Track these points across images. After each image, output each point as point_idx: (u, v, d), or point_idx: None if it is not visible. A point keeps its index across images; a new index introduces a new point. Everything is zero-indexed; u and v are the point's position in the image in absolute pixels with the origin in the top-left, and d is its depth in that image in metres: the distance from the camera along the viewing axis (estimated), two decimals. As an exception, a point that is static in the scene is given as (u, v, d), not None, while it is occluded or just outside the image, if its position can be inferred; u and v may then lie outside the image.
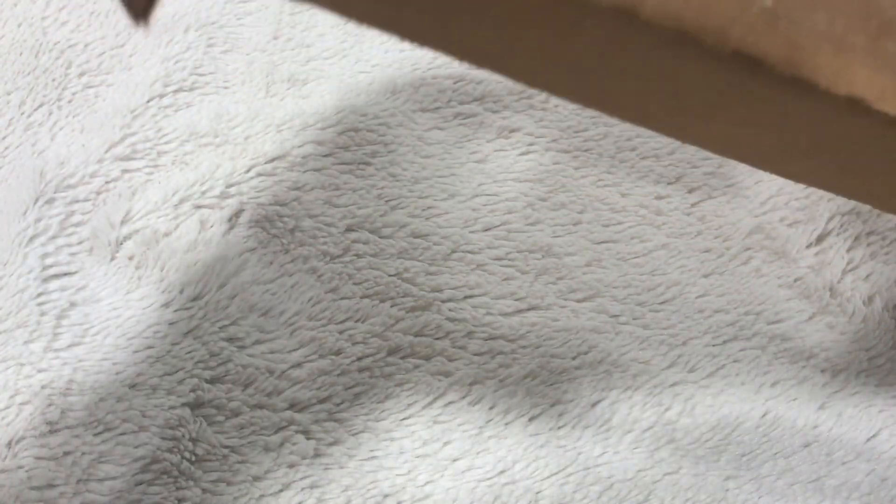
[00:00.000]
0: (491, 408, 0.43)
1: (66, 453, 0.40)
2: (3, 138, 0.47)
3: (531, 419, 0.42)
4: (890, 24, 0.22)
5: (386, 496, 0.40)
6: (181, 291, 0.43)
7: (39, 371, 0.41)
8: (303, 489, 0.40)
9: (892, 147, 0.24)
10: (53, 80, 0.49)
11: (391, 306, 0.44)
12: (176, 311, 0.43)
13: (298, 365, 0.42)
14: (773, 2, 0.21)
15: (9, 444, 0.39)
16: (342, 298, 0.44)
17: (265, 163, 0.46)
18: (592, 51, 0.23)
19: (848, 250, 0.47)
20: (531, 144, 0.49)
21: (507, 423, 0.42)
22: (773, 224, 0.48)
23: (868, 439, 0.43)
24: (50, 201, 0.45)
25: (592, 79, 0.25)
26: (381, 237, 0.46)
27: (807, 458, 0.42)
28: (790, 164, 0.30)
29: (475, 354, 0.44)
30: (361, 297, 0.44)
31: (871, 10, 0.22)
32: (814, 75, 0.22)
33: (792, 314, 0.46)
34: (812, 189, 0.48)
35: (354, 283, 0.45)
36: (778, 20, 0.21)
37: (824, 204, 0.48)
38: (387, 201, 0.47)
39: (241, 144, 0.47)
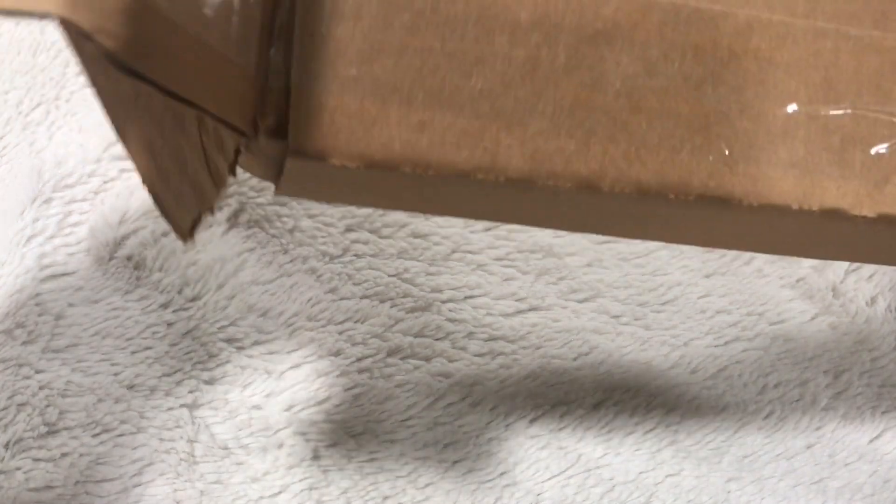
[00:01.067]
0: (492, 409, 0.42)
1: (64, 455, 0.39)
2: (1, 138, 0.47)
3: (532, 420, 0.42)
4: (852, 135, 0.23)
5: (386, 498, 0.40)
6: (180, 292, 0.43)
7: (38, 372, 0.41)
8: (301, 491, 0.40)
9: (883, 237, 0.25)
10: (51, 79, 0.49)
11: (391, 307, 0.44)
12: (174, 311, 0.43)
13: (297, 366, 0.42)
14: (727, 147, 0.23)
15: (7, 446, 0.39)
16: (342, 299, 0.44)
17: (264, 162, 0.46)
18: (572, 207, 0.25)
19: (851, 250, 0.47)
20: (532, 144, 0.48)
21: (507, 425, 0.42)
22: (775, 224, 0.47)
23: (871, 440, 0.43)
24: (48, 201, 0.45)
25: (578, 219, 0.27)
26: (380, 237, 0.45)
27: (809, 459, 0.42)
28: (806, 254, 0.30)
29: (475, 355, 0.43)
30: (361, 298, 0.44)
31: (830, 128, 0.23)
32: (784, 199, 0.23)
33: (794, 315, 0.45)
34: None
35: (354, 284, 0.44)
36: (737, 163, 0.23)
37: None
38: (387, 201, 0.46)
39: (240, 144, 0.47)
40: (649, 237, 0.29)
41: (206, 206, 0.23)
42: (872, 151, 0.23)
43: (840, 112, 0.23)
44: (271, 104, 0.22)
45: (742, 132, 0.23)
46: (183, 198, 0.23)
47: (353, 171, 0.22)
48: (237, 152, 0.22)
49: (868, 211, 0.23)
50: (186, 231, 0.23)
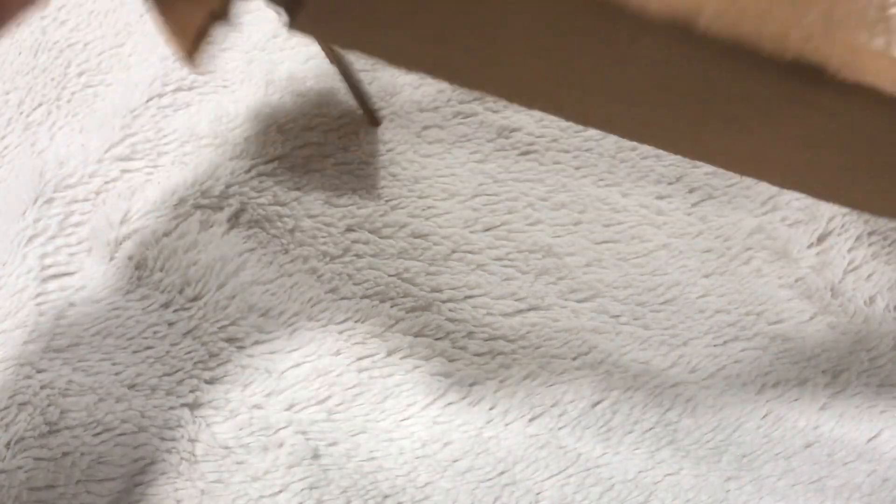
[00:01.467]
0: (491, 408, 0.42)
1: (66, 454, 0.40)
2: (3, 138, 0.47)
3: (531, 420, 0.42)
4: None
5: (385, 497, 0.40)
6: (181, 291, 0.43)
7: (39, 371, 0.41)
8: (302, 490, 0.40)
9: None
10: (52, 79, 0.49)
11: (391, 306, 0.44)
12: (175, 311, 0.43)
13: (298, 365, 0.42)
14: (825, 15, 0.21)
15: (8, 445, 0.39)
16: (342, 299, 0.44)
17: (265, 163, 0.46)
18: (648, 74, 0.23)
19: (849, 250, 0.47)
20: (531, 144, 0.48)
21: (507, 424, 0.42)
22: (774, 224, 0.47)
23: (869, 440, 0.43)
24: (49, 201, 0.45)
25: (646, 108, 0.25)
26: (381, 237, 0.46)
27: (808, 458, 0.42)
28: (851, 189, 0.29)
29: (475, 355, 0.44)
30: (361, 298, 0.44)
31: None
32: (877, 80, 0.22)
33: (793, 314, 0.45)
34: (813, 189, 0.48)
35: (354, 284, 0.44)
36: (836, 30, 0.21)
37: (825, 204, 0.48)
38: (387, 201, 0.47)
39: (241, 144, 0.47)
40: (697, 150, 0.27)
41: (214, 7, 0.21)
42: None
43: None
44: None
45: (840, 6, 0.21)
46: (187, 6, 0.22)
47: None
48: None
49: None
50: (191, 44, 0.22)
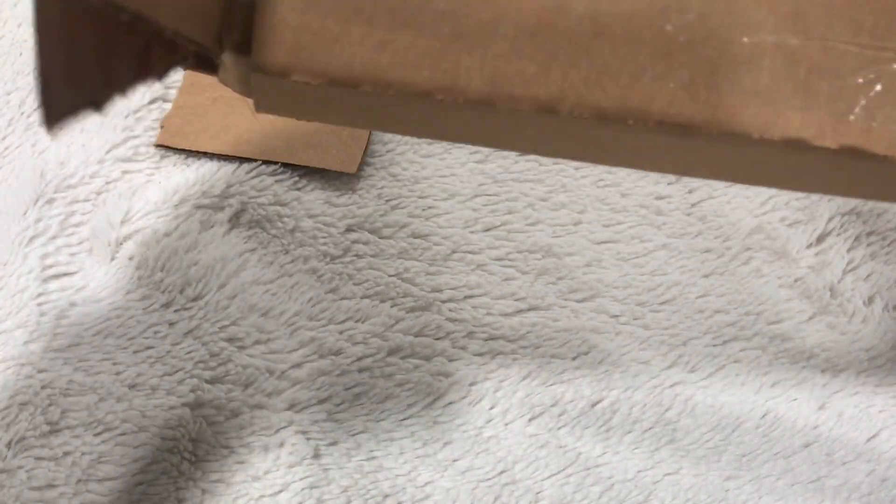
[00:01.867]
0: (491, 408, 0.43)
1: (66, 453, 0.40)
2: (4, 138, 0.47)
3: (531, 419, 0.42)
4: (819, 65, 0.23)
5: (386, 496, 0.40)
6: (181, 291, 0.43)
7: (39, 371, 0.41)
8: (302, 490, 0.40)
9: (846, 169, 0.24)
10: (53, 79, 0.49)
11: (391, 306, 0.44)
12: (176, 311, 0.43)
13: (298, 365, 0.42)
14: (689, 75, 0.22)
15: (9, 445, 0.39)
16: (342, 299, 0.44)
17: (265, 163, 0.46)
18: (533, 130, 0.24)
19: (848, 250, 0.47)
20: (531, 144, 0.49)
21: (507, 424, 0.42)
22: (773, 224, 0.48)
23: (868, 439, 0.43)
24: (50, 201, 0.45)
25: (541, 142, 0.26)
26: (381, 237, 0.46)
27: (807, 458, 0.42)
28: (769, 183, 0.30)
29: (475, 355, 0.44)
30: (361, 298, 0.44)
31: (797, 58, 0.23)
32: (744, 128, 0.22)
33: (792, 314, 0.46)
34: (812, 189, 0.48)
35: (354, 284, 0.45)
36: (698, 90, 0.22)
37: (824, 204, 0.48)
38: (387, 201, 0.47)
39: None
40: (615, 163, 0.28)
41: (95, 96, 0.22)
42: (838, 83, 0.23)
43: (808, 42, 0.23)
44: (237, 20, 0.22)
45: (706, 60, 0.22)
46: (77, 81, 0.23)
47: (315, 89, 0.22)
48: (181, 56, 0.22)
49: (831, 142, 0.23)
50: (54, 121, 0.22)
